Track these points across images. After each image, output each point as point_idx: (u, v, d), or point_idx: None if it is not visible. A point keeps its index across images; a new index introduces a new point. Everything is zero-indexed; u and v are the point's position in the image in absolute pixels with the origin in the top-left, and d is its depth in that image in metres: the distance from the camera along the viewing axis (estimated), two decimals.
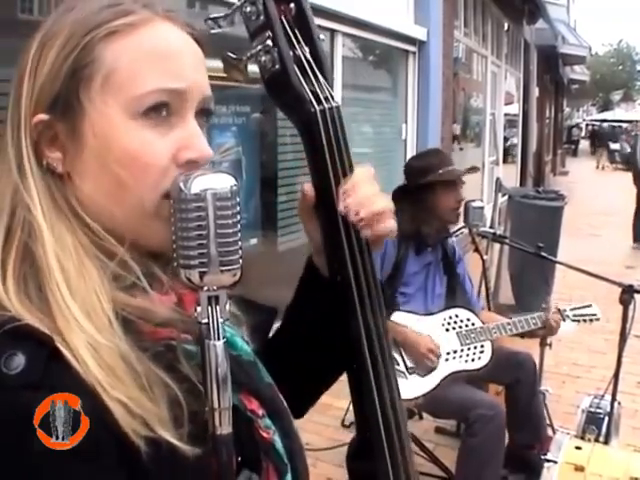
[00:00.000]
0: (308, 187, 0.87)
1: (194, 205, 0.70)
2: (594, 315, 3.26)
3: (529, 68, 15.20)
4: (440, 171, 3.12)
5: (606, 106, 53.79)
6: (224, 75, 0.86)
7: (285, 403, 0.88)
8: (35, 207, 0.75)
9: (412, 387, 2.98)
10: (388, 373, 0.87)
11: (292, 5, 0.84)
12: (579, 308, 3.28)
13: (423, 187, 3.11)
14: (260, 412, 0.82)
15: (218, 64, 0.86)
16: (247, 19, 0.83)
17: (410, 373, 3.00)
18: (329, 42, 5.38)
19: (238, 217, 0.72)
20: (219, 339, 0.70)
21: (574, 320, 3.25)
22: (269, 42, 0.81)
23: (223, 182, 0.71)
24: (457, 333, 3.09)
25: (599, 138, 33.99)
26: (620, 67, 59.38)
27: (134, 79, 0.76)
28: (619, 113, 43.88)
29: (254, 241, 4.54)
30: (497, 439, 2.96)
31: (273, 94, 0.85)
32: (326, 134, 0.84)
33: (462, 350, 3.07)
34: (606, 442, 3.12)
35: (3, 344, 0.66)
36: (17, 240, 0.75)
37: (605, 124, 38.75)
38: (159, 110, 0.77)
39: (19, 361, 0.65)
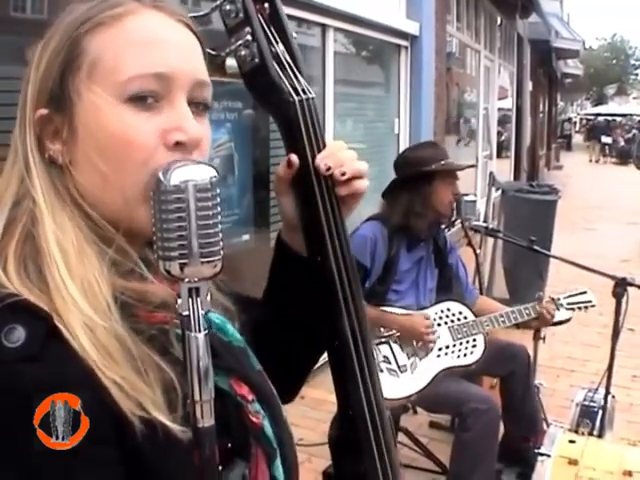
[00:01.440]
0: (294, 157, 0.89)
1: (174, 197, 0.69)
2: (589, 302, 3.24)
3: (522, 62, 15.20)
4: (442, 162, 3.07)
5: (600, 100, 53.91)
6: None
7: (275, 391, 0.89)
8: (38, 196, 0.78)
9: (404, 385, 2.97)
10: (367, 349, 0.89)
11: (266, 5, 0.88)
12: (573, 295, 3.27)
13: (422, 177, 3.05)
14: (250, 397, 0.83)
15: None
16: (226, 17, 0.85)
17: (402, 371, 2.99)
18: (320, 37, 5.36)
19: (218, 208, 0.72)
20: (200, 331, 0.70)
21: (568, 309, 3.24)
22: (249, 37, 0.84)
23: (203, 173, 0.71)
24: (449, 327, 3.08)
25: (594, 132, 34.03)
26: (614, 61, 59.49)
27: (118, 66, 0.78)
28: (613, 107, 43.96)
29: (246, 237, 4.52)
30: (491, 433, 2.96)
31: (251, 86, 0.88)
32: (304, 122, 0.87)
33: (454, 345, 3.06)
34: (600, 436, 3.12)
35: (3, 317, 0.68)
36: (21, 226, 0.77)
37: (601, 118, 38.78)
38: (144, 96, 0.78)
39: (19, 335, 0.67)
